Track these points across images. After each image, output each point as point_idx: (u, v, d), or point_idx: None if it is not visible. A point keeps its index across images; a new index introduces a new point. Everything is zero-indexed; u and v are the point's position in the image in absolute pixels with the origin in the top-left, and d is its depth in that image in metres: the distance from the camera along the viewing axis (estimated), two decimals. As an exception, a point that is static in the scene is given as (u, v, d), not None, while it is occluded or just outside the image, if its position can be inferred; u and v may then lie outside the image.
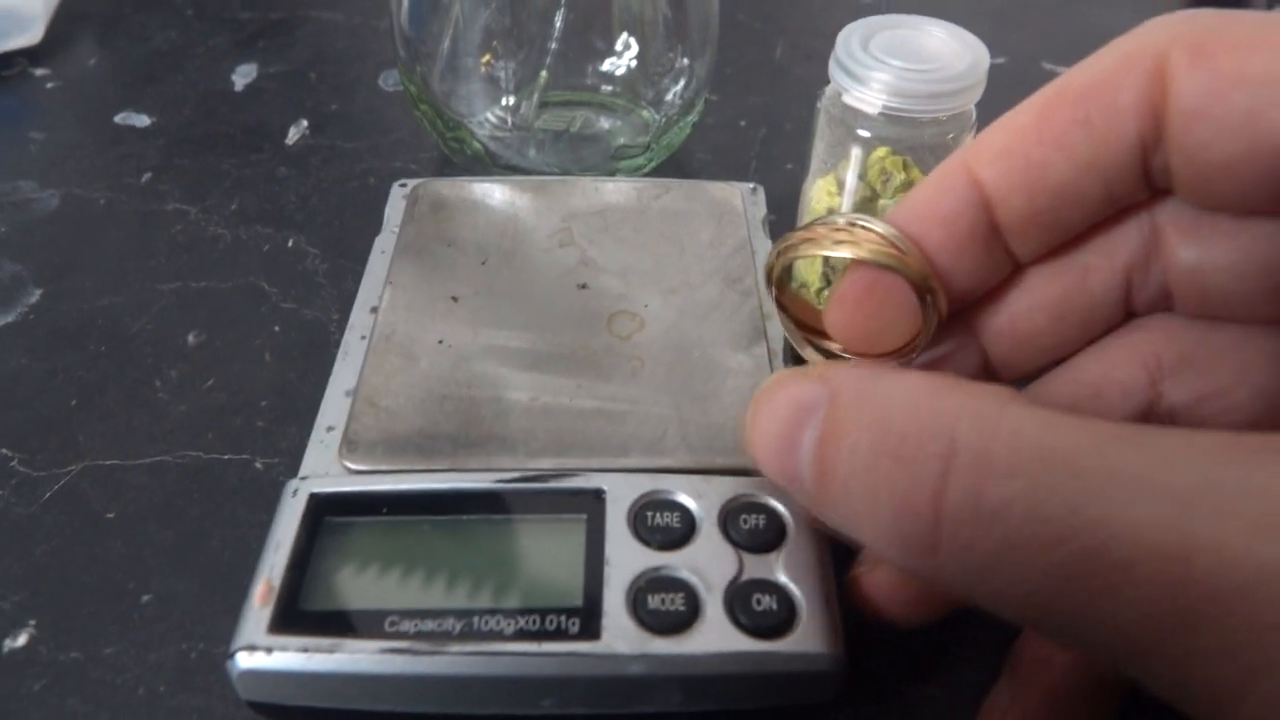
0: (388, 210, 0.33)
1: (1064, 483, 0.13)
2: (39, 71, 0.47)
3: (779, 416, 0.17)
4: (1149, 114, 0.17)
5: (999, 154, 0.18)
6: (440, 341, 0.28)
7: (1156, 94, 0.16)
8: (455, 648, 0.21)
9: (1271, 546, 0.12)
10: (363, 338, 0.28)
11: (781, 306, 0.23)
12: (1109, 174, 0.17)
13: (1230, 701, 0.12)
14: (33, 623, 0.25)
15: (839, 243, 0.20)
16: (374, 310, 0.29)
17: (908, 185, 0.29)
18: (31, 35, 0.47)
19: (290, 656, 0.21)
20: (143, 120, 0.44)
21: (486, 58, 0.38)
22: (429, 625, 0.21)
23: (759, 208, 0.33)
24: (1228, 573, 0.12)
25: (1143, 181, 0.18)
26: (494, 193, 0.33)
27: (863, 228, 0.19)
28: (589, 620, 0.21)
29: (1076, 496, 0.13)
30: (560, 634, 0.21)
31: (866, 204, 0.30)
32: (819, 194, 0.31)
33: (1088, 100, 0.17)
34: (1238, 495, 0.12)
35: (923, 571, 0.15)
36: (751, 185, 0.34)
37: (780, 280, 0.22)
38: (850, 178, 0.29)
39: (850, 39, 0.28)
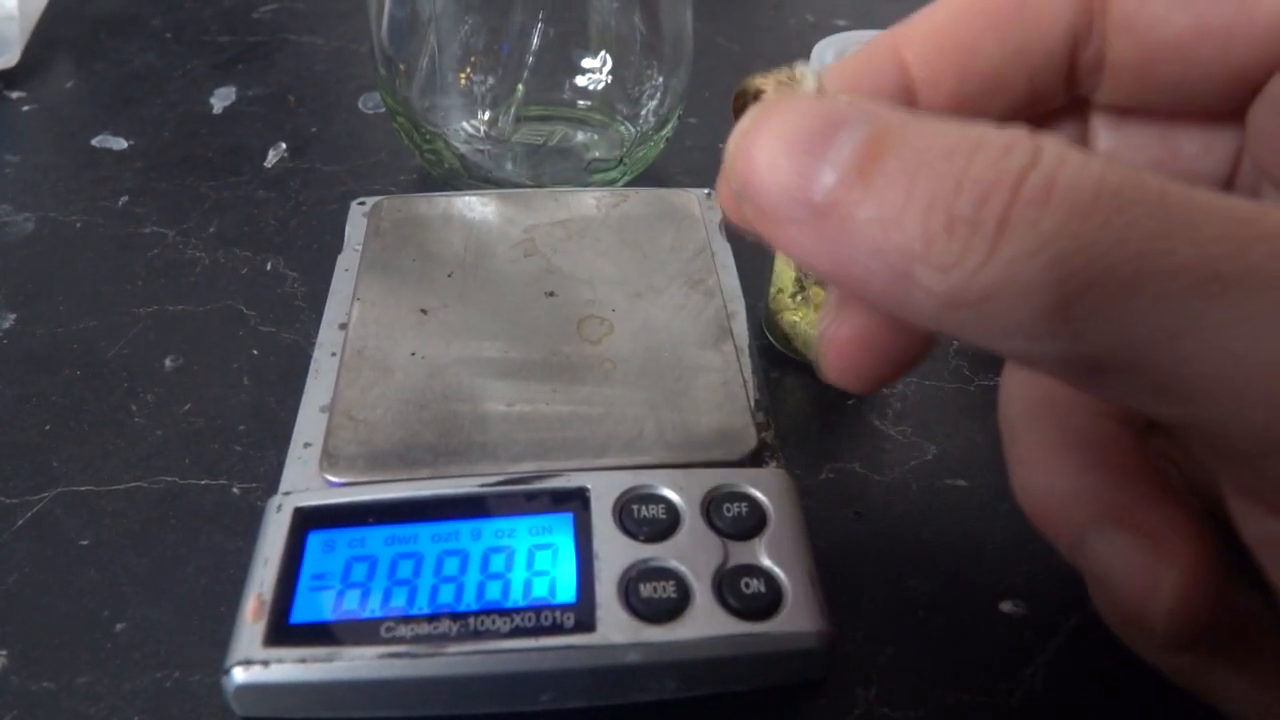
0: (348, 229, 0.33)
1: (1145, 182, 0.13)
2: (15, 94, 0.47)
3: (803, 120, 0.14)
4: (1083, 2, 0.17)
5: (930, 33, 0.18)
6: (413, 353, 0.28)
7: None
8: (453, 648, 0.21)
9: None
10: (333, 354, 0.28)
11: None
12: (1036, 63, 0.17)
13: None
14: (4, 652, 0.24)
15: (781, 84, 0.19)
16: (343, 327, 0.29)
17: None
18: (8, 58, 0.47)
19: (288, 668, 0.21)
20: (120, 143, 0.44)
21: (465, 72, 0.38)
22: (425, 629, 0.21)
23: (715, 212, 0.34)
24: None
25: (1065, 78, 0.18)
26: (454, 207, 0.33)
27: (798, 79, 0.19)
28: (583, 613, 0.22)
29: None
30: (556, 629, 0.21)
31: None
32: None
33: None
34: None
35: (967, 270, 0.13)
36: (707, 191, 0.35)
37: (742, 103, 0.21)
38: None
39: (824, 53, 0.28)
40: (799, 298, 0.32)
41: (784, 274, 0.32)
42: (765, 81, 0.17)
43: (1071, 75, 0.18)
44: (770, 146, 0.14)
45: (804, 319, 0.32)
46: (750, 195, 0.15)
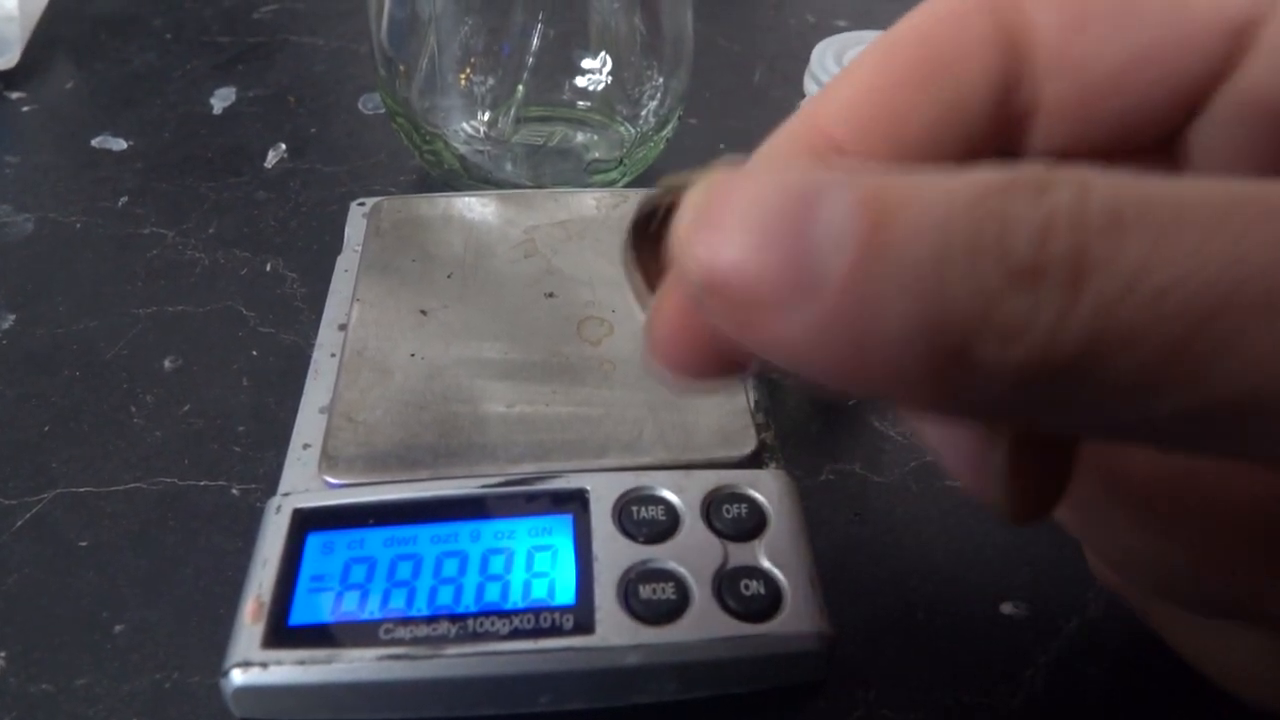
0: (348, 229, 0.33)
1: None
2: (15, 95, 0.47)
3: (767, 195, 0.12)
4: (1006, 42, 0.15)
5: (854, 103, 0.16)
6: (412, 355, 0.28)
7: (1009, 18, 0.15)
8: (452, 650, 0.21)
9: None
10: (333, 355, 0.28)
11: (639, 260, 0.16)
12: (971, 117, 0.16)
13: None
14: (3, 654, 0.24)
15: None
16: (342, 327, 0.29)
17: None
18: (8, 59, 0.47)
19: (286, 670, 0.21)
20: (120, 144, 0.44)
21: (465, 73, 0.38)
22: (424, 630, 0.21)
23: None
24: None
25: (996, 130, 0.16)
26: (454, 207, 0.33)
27: None
28: (582, 615, 0.22)
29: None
30: (555, 630, 0.21)
31: None
32: None
33: (935, 38, 0.16)
34: None
35: (1045, 330, 0.11)
36: None
37: (643, 226, 0.16)
38: None
39: (824, 54, 0.28)
40: None
41: None
42: (679, 179, 0.13)
43: (1002, 126, 0.16)
44: (737, 234, 0.11)
45: None
46: (722, 294, 0.12)
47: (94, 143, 0.44)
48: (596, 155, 0.39)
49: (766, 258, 0.11)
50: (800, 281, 0.11)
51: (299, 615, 0.22)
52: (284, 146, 0.44)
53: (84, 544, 0.27)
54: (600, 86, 0.39)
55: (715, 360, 0.14)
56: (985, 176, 0.11)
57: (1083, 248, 0.10)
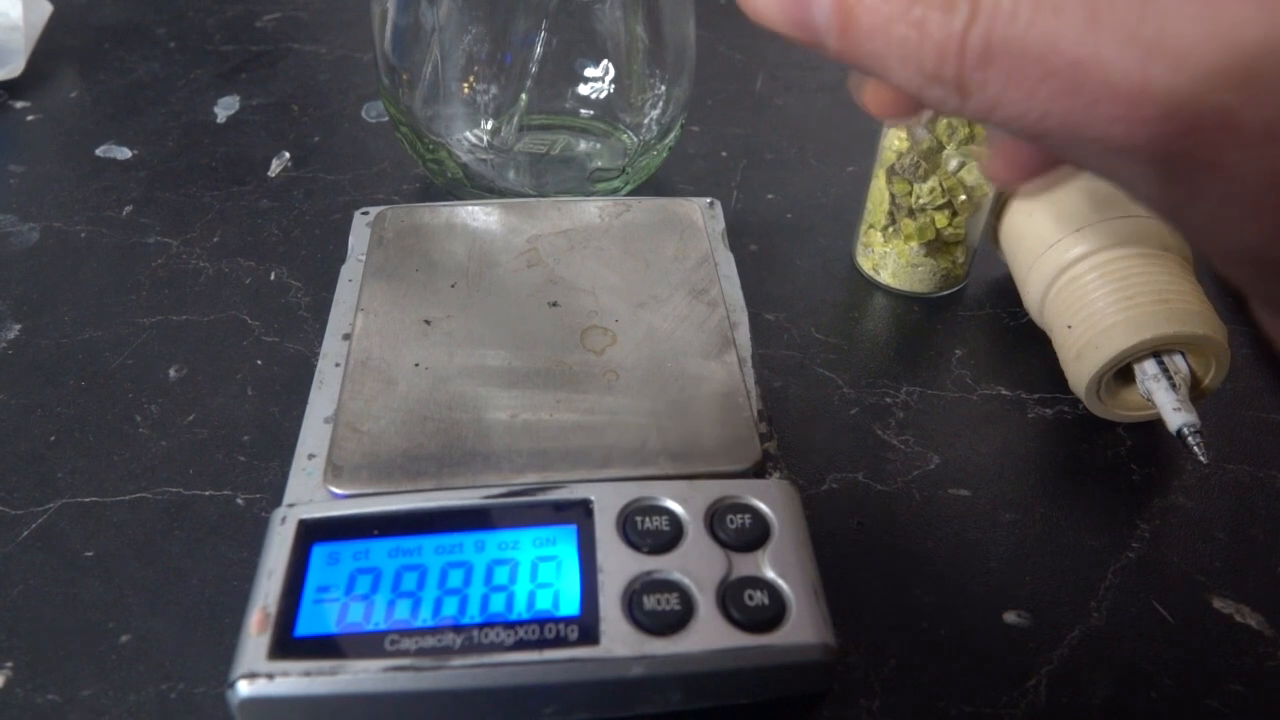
0: (351, 239, 0.33)
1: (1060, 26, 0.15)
2: (19, 104, 0.47)
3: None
4: None
5: None
6: (417, 364, 0.28)
7: None
8: (457, 661, 0.21)
9: None
10: (337, 365, 0.28)
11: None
12: None
13: None
14: (10, 664, 0.25)
15: None
16: (346, 337, 0.29)
17: (970, 138, 0.33)
18: (12, 68, 0.47)
19: (292, 681, 0.21)
20: (124, 153, 0.44)
21: (468, 82, 0.38)
22: (429, 641, 0.21)
23: (718, 221, 0.34)
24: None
25: None
26: (458, 216, 0.34)
27: None
28: (587, 626, 0.22)
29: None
30: (560, 641, 0.21)
31: (931, 154, 0.33)
32: (891, 141, 0.35)
33: None
34: None
35: (949, 103, 0.16)
36: (709, 200, 0.35)
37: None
38: (920, 129, 0.33)
39: None
40: (890, 230, 0.35)
41: (878, 209, 0.35)
42: None
43: None
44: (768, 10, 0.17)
45: (895, 249, 0.36)
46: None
47: (98, 152, 0.44)
48: (599, 164, 0.39)
49: (782, 17, 0.17)
50: (806, 34, 0.17)
51: (305, 626, 0.22)
52: (287, 155, 0.44)
53: (90, 554, 0.27)
54: (603, 95, 0.39)
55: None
56: None
57: (961, 75, 0.15)
